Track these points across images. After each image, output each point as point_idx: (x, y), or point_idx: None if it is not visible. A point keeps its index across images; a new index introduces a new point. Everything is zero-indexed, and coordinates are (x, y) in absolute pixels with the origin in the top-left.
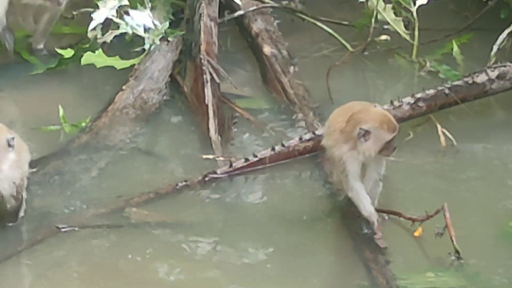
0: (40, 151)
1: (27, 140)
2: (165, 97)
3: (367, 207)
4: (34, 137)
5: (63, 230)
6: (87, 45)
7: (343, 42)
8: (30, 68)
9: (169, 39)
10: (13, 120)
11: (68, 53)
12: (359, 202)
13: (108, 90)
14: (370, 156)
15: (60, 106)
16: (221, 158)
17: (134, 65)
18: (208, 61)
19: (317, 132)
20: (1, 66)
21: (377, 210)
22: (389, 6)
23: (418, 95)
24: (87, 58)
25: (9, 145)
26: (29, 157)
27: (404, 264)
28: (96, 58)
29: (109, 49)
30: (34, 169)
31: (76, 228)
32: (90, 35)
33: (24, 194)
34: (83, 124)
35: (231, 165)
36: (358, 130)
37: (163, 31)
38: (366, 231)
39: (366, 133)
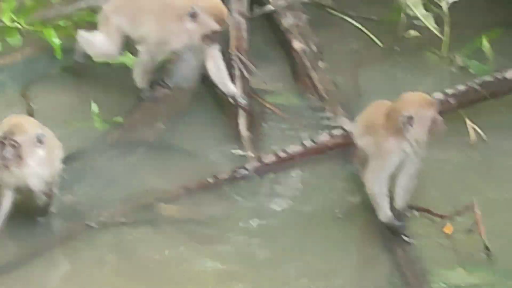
0: (72, 146)
1: (59, 136)
2: (196, 94)
3: (385, 211)
4: (66, 133)
5: (92, 226)
6: None
7: (373, 37)
8: (60, 63)
9: None
10: (46, 115)
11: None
12: (379, 203)
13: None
14: (422, 141)
15: (92, 102)
16: (251, 154)
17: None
18: (238, 56)
19: (346, 128)
20: (31, 60)
21: (408, 206)
22: (419, 1)
23: (448, 91)
24: None
25: (39, 141)
26: (62, 154)
27: (434, 260)
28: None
29: None
30: (66, 165)
31: (106, 224)
32: None
33: (56, 190)
34: (116, 120)
35: (261, 161)
36: (401, 119)
37: None
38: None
39: (409, 119)
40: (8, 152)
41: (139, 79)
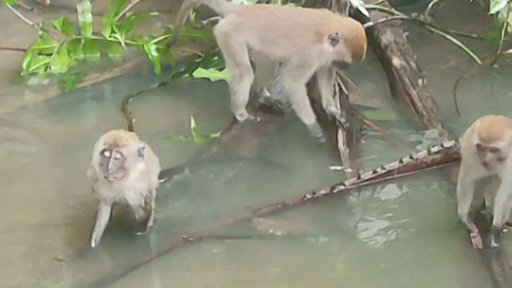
0: (170, 161)
1: (157, 150)
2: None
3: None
4: (164, 147)
5: (190, 240)
6: (199, 60)
7: (472, 54)
8: (159, 77)
9: None
10: (144, 130)
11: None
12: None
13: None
14: None
15: (192, 118)
16: (349, 170)
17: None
18: (336, 72)
19: (445, 145)
20: (131, 75)
21: (506, 224)
22: None
23: None
24: (199, 72)
25: (140, 155)
26: (159, 169)
27: None
28: (209, 73)
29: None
30: (163, 179)
31: (202, 239)
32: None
33: (153, 205)
34: (213, 135)
35: (359, 177)
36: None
37: None
38: (494, 244)
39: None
40: (113, 164)
41: (240, 106)
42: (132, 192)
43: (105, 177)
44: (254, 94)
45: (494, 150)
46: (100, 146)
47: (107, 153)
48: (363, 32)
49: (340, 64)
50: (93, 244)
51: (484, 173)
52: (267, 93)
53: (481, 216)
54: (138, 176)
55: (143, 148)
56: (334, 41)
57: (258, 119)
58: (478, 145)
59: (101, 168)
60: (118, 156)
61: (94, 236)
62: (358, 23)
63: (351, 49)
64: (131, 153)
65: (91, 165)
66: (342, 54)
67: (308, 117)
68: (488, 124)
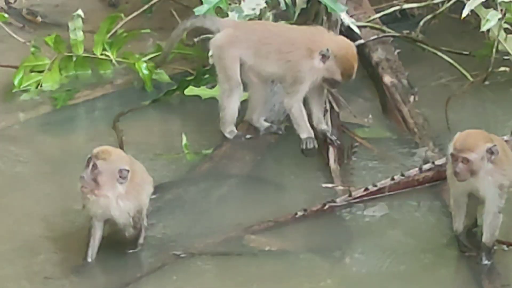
0: (162, 178)
1: (148, 167)
2: (284, 127)
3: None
4: (156, 164)
5: (181, 256)
6: (191, 78)
7: (463, 72)
8: (150, 95)
9: None
10: (136, 147)
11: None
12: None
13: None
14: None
15: (183, 134)
16: (341, 187)
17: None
18: (328, 90)
19: (436, 162)
20: (122, 92)
21: (497, 241)
22: (511, 36)
23: None
24: (191, 90)
25: (121, 176)
26: (151, 190)
27: None
28: (200, 90)
29: None
30: (155, 195)
31: (194, 255)
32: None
33: (145, 223)
34: (205, 152)
35: (350, 194)
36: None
37: None
38: (485, 262)
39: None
40: (87, 174)
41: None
42: (118, 211)
43: (80, 187)
44: (254, 128)
45: (465, 161)
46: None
47: (88, 162)
48: (354, 51)
49: (330, 83)
50: (89, 260)
51: (465, 187)
52: (265, 124)
53: (473, 234)
54: (122, 196)
55: (127, 171)
56: (324, 57)
57: (248, 136)
58: (451, 154)
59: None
60: (93, 167)
61: (89, 252)
62: (350, 42)
63: (341, 67)
64: (108, 170)
65: None
66: (332, 72)
67: (305, 132)
68: (465, 135)
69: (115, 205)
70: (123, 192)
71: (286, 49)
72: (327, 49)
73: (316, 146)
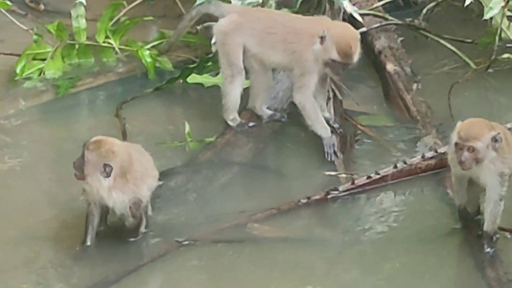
0: (165, 166)
1: (151, 155)
2: (287, 115)
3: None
4: (159, 152)
5: (183, 243)
6: (194, 66)
7: (466, 59)
8: (153, 83)
9: None
10: (139, 135)
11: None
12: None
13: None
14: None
15: (186, 122)
16: (343, 175)
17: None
18: (330, 78)
19: (439, 150)
20: (125, 80)
21: (499, 228)
22: None
23: None
24: (193, 77)
25: (105, 171)
26: (155, 184)
27: None
28: (202, 78)
29: None
30: (161, 182)
31: (196, 242)
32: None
33: (149, 212)
34: (208, 140)
35: (353, 182)
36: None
37: None
38: (487, 249)
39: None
40: (77, 160)
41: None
42: (111, 201)
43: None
44: (257, 116)
45: (471, 150)
46: None
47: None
48: (353, 31)
49: (332, 67)
50: (88, 243)
51: (466, 172)
52: (267, 111)
53: (476, 222)
54: (116, 187)
55: (110, 167)
56: (322, 39)
57: (251, 124)
58: (456, 144)
59: None
60: (82, 156)
61: (88, 236)
62: (351, 26)
63: (337, 44)
64: (92, 162)
65: None
66: (328, 50)
67: (323, 129)
68: (468, 124)
69: (107, 195)
70: (107, 185)
71: (291, 40)
72: (323, 30)
73: (337, 148)
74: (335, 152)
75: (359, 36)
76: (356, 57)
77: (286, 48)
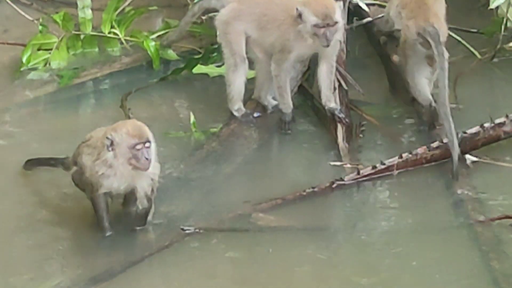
0: (170, 156)
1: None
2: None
3: None
4: (163, 143)
5: (187, 232)
6: (199, 56)
7: (472, 49)
8: (158, 73)
9: None
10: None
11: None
12: None
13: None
14: None
15: (191, 113)
16: (349, 165)
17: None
18: (336, 68)
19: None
20: (130, 70)
21: (507, 216)
22: None
23: None
24: (198, 68)
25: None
26: (158, 171)
27: None
28: (208, 69)
29: None
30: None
31: (201, 231)
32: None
33: (153, 200)
34: (213, 130)
35: (358, 172)
36: None
37: None
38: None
39: None
40: (142, 153)
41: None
42: (147, 178)
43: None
44: (262, 106)
45: None
46: None
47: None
48: None
49: (320, 37)
50: (108, 233)
51: None
52: (273, 101)
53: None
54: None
55: (110, 141)
56: (300, 16)
57: (256, 114)
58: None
59: None
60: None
61: (106, 224)
62: None
63: (313, 9)
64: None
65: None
66: (309, 20)
67: (286, 104)
68: None
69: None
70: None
71: (280, 17)
72: (296, 8)
73: (291, 125)
74: (288, 129)
75: None
76: (337, 17)
77: (274, 26)
